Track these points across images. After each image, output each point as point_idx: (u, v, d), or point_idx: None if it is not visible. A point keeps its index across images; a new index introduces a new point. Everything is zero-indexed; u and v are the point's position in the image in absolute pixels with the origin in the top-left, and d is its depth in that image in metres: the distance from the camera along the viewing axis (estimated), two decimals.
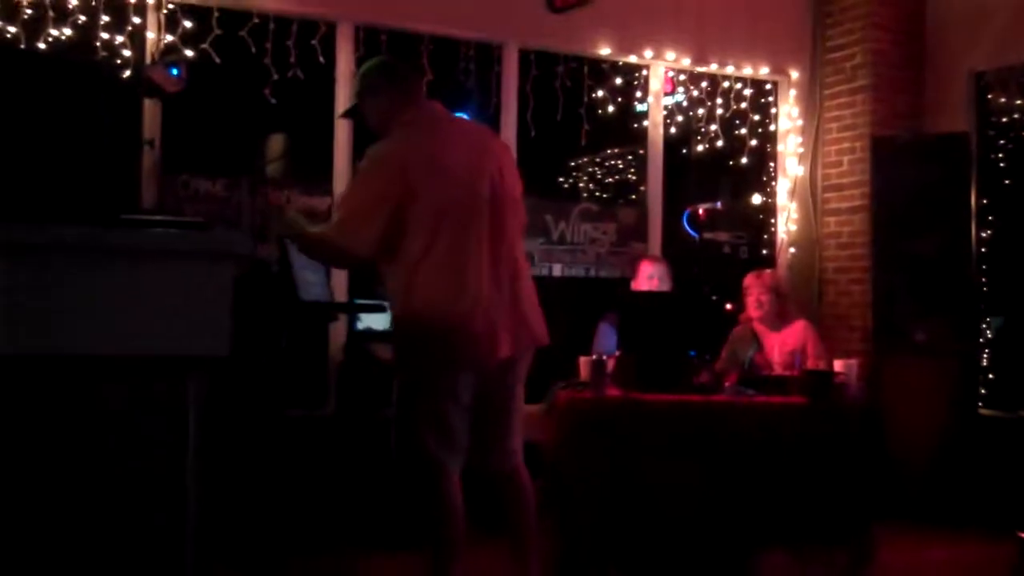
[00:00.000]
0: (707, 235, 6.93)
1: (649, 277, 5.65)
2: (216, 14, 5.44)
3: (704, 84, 6.85)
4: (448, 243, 3.38)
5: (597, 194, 8.02)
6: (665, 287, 5.64)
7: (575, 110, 6.43)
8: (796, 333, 5.43)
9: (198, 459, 2.00)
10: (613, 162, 8.12)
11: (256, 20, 5.52)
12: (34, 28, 5.07)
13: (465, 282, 3.37)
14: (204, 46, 5.42)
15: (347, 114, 3.99)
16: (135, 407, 1.93)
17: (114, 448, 1.92)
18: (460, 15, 6.06)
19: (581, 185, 8.24)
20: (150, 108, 5.35)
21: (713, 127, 6.84)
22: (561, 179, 8.17)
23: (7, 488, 1.87)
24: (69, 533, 1.90)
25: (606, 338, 5.40)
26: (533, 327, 3.58)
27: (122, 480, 1.93)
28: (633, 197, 7.26)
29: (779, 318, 5.50)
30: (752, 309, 5.50)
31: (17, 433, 1.88)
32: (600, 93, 6.52)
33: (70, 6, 5.15)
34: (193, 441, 1.97)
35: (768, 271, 5.89)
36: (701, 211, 5.78)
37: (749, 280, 5.60)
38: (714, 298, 5.34)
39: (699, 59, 6.77)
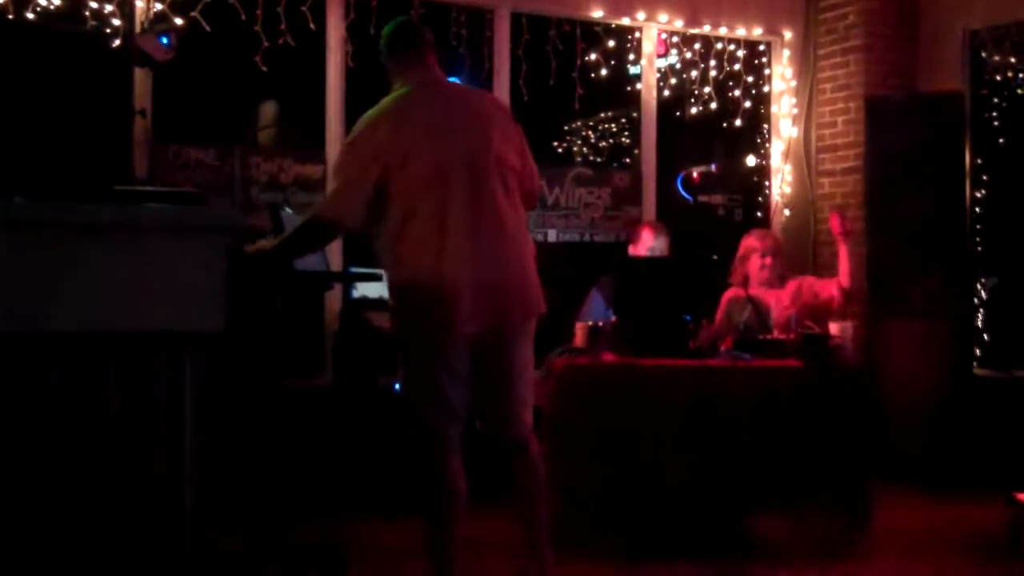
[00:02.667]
0: (701, 198, 6.94)
1: (650, 248, 5.48)
2: None
3: (697, 46, 6.81)
4: (428, 211, 3.35)
5: (591, 158, 8.01)
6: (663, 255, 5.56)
7: (568, 74, 6.39)
8: (791, 293, 5.41)
9: (196, 432, 2.00)
10: (606, 126, 8.11)
11: None
12: None
13: (444, 250, 3.33)
14: (194, 14, 5.36)
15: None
16: (131, 383, 1.93)
17: (111, 424, 1.92)
18: None
19: (575, 149, 8.22)
20: (141, 77, 5.31)
21: (707, 89, 6.81)
22: (555, 143, 8.15)
23: (4, 460, 1.88)
24: (64, 506, 1.91)
25: (594, 306, 5.35)
26: (524, 295, 3.53)
27: (120, 456, 1.93)
28: (627, 161, 7.26)
29: (779, 280, 5.46)
30: (756, 271, 5.42)
31: (12, 409, 1.88)
32: (593, 56, 6.48)
33: None
34: (191, 415, 1.97)
35: (770, 233, 5.84)
36: (695, 174, 5.77)
37: (753, 242, 5.48)
38: (715, 257, 5.27)
39: (692, 20, 6.73)
